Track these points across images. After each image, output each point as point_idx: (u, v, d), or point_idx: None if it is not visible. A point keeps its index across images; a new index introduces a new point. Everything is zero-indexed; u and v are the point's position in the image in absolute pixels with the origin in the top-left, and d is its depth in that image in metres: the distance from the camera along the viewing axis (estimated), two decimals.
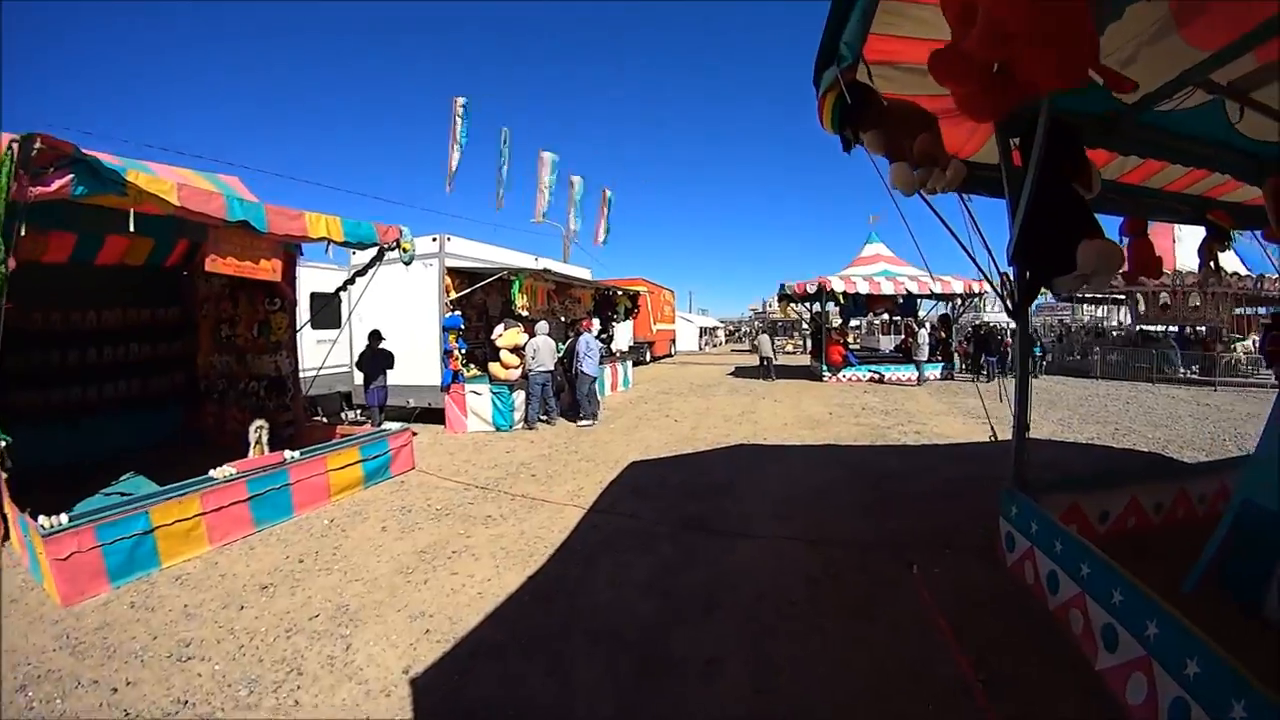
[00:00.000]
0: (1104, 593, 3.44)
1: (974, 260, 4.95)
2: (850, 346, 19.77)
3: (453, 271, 11.64)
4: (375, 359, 10.51)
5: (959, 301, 19.59)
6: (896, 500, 6.69)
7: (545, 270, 11.66)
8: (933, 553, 5.23)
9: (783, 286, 19.42)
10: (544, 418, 11.78)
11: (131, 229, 4.71)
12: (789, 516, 6.17)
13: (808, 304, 21.83)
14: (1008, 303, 5.09)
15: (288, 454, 6.46)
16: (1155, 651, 2.95)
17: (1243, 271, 18.18)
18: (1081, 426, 10.91)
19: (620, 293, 17.10)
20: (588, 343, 11.71)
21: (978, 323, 25.75)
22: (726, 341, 62.36)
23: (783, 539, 5.58)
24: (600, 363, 13.10)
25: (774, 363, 21.50)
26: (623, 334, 25.34)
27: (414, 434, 8.63)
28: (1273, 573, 3.67)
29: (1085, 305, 34.68)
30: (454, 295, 11.55)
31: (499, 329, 11.86)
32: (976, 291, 18.14)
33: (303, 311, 9.78)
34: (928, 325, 19.71)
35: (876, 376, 18.22)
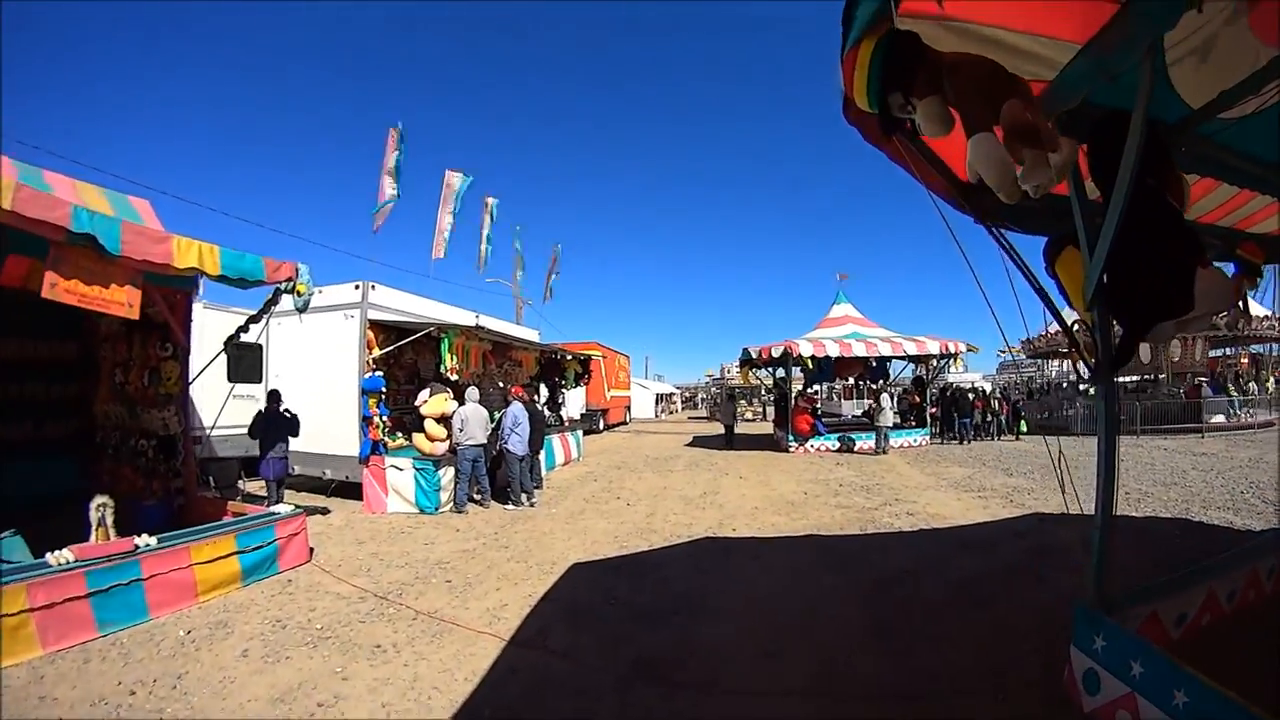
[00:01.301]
0: None
1: (1053, 310, 3.53)
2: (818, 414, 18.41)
3: (377, 325, 10.10)
4: (272, 424, 8.83)
5: (934, 363, 18.50)
6: (912, 614, 5.18)
7: (479, 327, 10.05)
8: (981, 700, 3.74)
9: (745, 351, 18.10)
10: (476, 498, 10.01)
11: None
12: (779, 652, 4.51)
13: (771, 369, 20.58)
14: (1084, 363, 3.63)
15: (140, 540, 5.30)
16: None
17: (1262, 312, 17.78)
18: (1090, 494, 9.58)
19: (570, 357, 15.51)
20: (515, 416, 10.02)
21: (943, 385, 24.87)
22: (683, 408, 60.98)
23: (776, 696, 3.90)
24: (538, 435, 11.41)
25: (734, 431, 20.43)
26: (574, 401, 23.68)
27: (325, 512, 7.92)
28: None
29: (1051, 361, 34.64)
30: (377, 352, 9.92)
31: (424, 394, 10.20)
32: (953, 352, 17.10)
33: (217, 362, 8.56)
34: (893, 390, 18.51)
35: (846, 446, 16.82)
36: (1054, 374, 36.18)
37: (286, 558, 6.66)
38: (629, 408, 34.45)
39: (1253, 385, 20.38)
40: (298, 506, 7.19)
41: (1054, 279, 3.73)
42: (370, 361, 9.89)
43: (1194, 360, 19.87)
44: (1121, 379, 24.06)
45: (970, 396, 20.62)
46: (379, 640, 4.83)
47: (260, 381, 9.64)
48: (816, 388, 23.98)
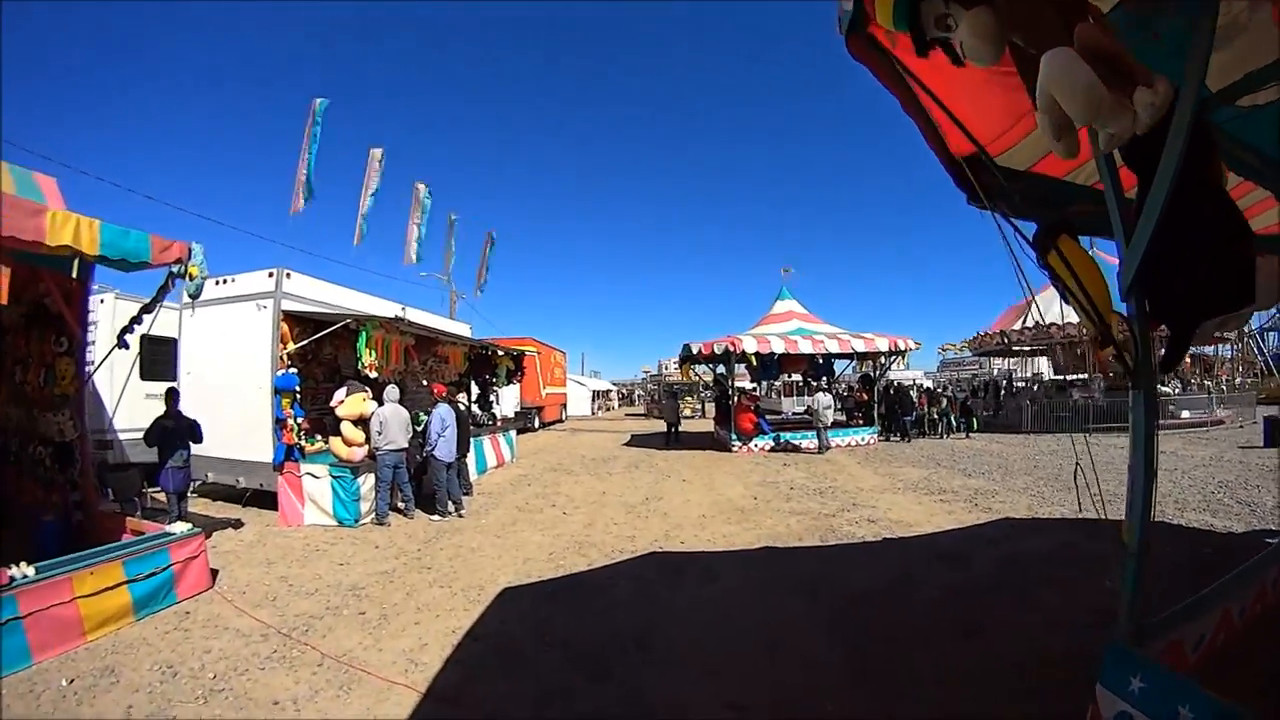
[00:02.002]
0: None
1: (1090, 306, 2.86)
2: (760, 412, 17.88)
3: (292, 317, 9.01)
4: (171, 429, 7.68)
5: (882, 360, 18.20)
6: (890, 646, 4.52)
7: (400, 319, 8.99)
8: None
9: (686, 347, 17.41)
10: (400, 506, 9.06)
11: None
12: (746, 704, 3.75)
13: (712, 366, 20.00)
14: (1123, 364, 2.97)
15: (15, 571, 4.57)
16: None
17: None
18: (1056, 496, 9.53)
19: (502, 352, 14.47)
20: (441, 419, 9.01)
21: (885, 382, 24.91)
22: (620, 405, 60.26)
23: None
24: (465, 437, 10.44)
25: (678, 429, 19.94)
26: (508, 399, 22.61)
27: (237, 525, 7.77)
28: None
29: (996, 360, 35.32)
30: (291, 347, 8.80)
31: (339, 394, 9.12)
32: (901, 349, 16.84)
33: (127, 359, 7.84)
34: (831, 389, 18.14)
35: (789, 445, 16.35)
36: (995, 372, 36.79)
37: (185, 584, 5.78)
38: (565, 405, 33.44)
39: (1207, 384, 20.91)
40: (195, 526, 6.17)
41: (1045, 270, 3.13)
42: (284, 357, 8.79)
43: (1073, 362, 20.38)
44: (1058, 377, 24.68)
45: (913, 394, 20.60)
46: (278, 694, 3.99)
47: (175, 379, 8.66)
48: (754, 385, 23.54)
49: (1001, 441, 17.21)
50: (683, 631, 4.87)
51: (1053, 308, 18.88)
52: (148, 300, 6.52)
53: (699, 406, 39.68)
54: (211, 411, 8.64)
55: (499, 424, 14.98)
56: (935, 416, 19.39)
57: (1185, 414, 18.50)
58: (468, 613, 5.37)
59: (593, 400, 44.88)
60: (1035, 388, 24.58)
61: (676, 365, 30.04)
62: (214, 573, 6.24)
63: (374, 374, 8.92)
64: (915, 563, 6.52)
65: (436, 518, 8.80)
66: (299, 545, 7.59)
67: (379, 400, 8.89)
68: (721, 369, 20.04)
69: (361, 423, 8.97)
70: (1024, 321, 19.69)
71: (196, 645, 4.75)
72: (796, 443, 16.39)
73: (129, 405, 9.02)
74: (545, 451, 17.98)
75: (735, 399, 16.96)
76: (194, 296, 6.07)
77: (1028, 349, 25.05)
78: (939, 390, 20.85)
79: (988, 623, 4.87)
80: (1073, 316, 18.69)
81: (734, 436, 16.51)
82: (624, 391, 68.75)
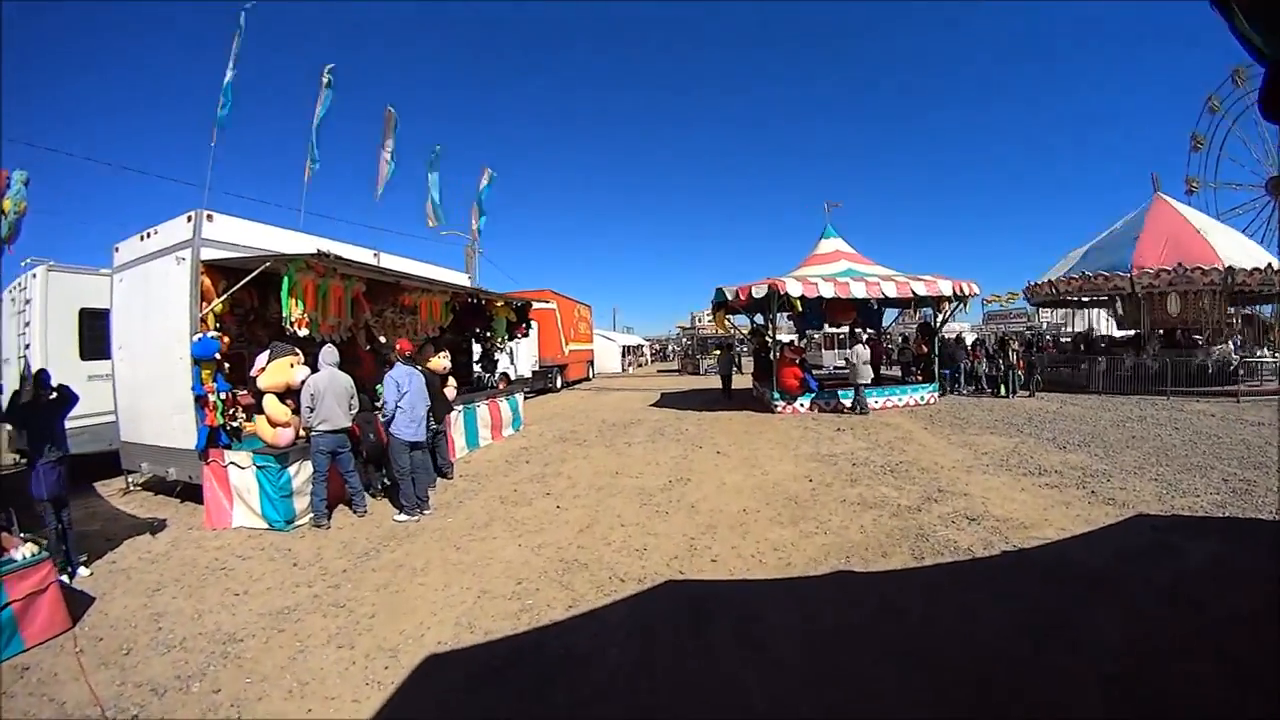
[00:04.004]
0: None
1: None
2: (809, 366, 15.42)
3: (215, 269, 6.98)
4: (41, 418, 5.62)
5: (947, 307, 15.55)
6: None
7: (333, 255, 6.75)
8: None
9: (719, 292, 14.93)
10: (373, 492, 7.05)
11: None
12: None
13: (749, 314, 17.56)
14: None
15: None
16: None
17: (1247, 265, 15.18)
18: (1184, 481, 7.29)
19: (502, 303, 12.15)
20: (397, 384, 6.88)
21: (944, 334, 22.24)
22: (652, 360, 57.98)
23: None
24: (440, 407, 8.31)
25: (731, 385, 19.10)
26: (525, 356, 20.50)
27: (157, 529, 6.63)
28: None
29: (1043, 312, 32.25)
30: (217, 305, 6.78)
31: (260, 359, 7.04)
32: (966, 294, 14.18)
33: (70, 334, 7.92)
34: (882, 339, 15.47)
35: (842, 405, 13.95)
36: (1044, 325, 33.69)
37: (34, 625, 4.29)
38: (591, 362, 31.27)
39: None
40: (42, 548, 4.61)
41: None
42: (206, 318, 6.76)
43: (1196, 315, 17.34)
44: (1119, 333, 21.80)
45: (963, 347, 18.07)
46: None
47: (109, 356, 7.88)
48: (792, 337, 21.01)
49: (1076, 403, 14.55)
50: None
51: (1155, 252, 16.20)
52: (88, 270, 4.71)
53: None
54: (141, 391, 7.53)
55: (499, 386, 12.76)
56: (998, 372, 16.71)
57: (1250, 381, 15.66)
58: (365, 700, 3.30)
59: (623, 356, 42.67)
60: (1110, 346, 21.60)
61: (709, 316, 27.64)
62: (88, 603, 4.84)
63: (303, 330, 6.77)
64: (1054, 595, 4.34)
65: (402, 516, 6.75)
66: (206, 560, 5.74)
67: (313, 366, 6.81)
68: (760, 318, 17.60)
69: (291, 395, 6.90)
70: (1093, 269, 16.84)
71: None
72: (847, 402, 13.98)
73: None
74: (561, 416, 15.85)
75: (778, 352, 14.51)
76: (5, 239, 4.79)
77: (1086, 300, 22.01)
78: (1008, 341, 17.98)
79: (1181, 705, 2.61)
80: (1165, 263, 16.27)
81: (776, 395, 14.15)
82: (657, 347, 66.46)
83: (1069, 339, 27.55)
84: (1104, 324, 32.88)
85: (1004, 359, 16.56)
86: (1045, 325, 34.17)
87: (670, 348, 65.37)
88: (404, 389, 6.85)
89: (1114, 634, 3.72)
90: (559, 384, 24.14)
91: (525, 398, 20.64)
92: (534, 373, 21.64)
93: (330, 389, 6.64)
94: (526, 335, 13.71)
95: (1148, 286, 15.80)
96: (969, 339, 24.12)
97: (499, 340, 12.22)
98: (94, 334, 8.75)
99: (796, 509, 6.54)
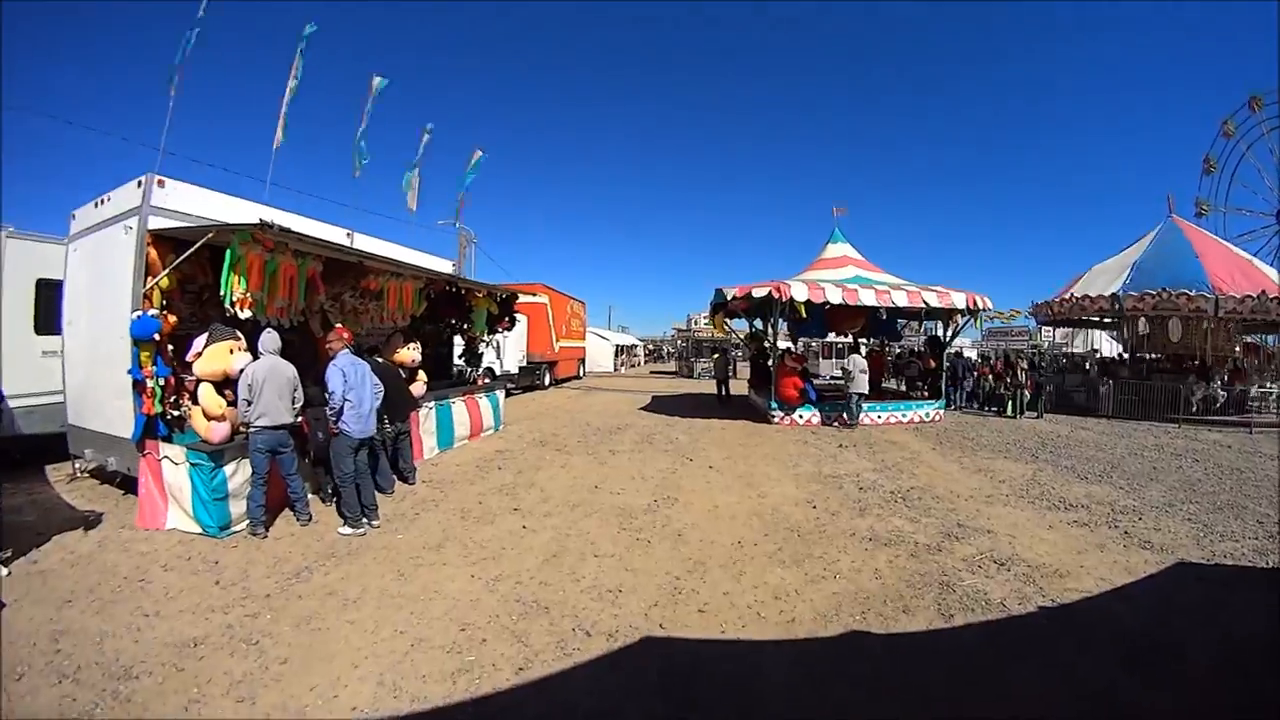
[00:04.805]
0: None
1: None
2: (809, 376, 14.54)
3: (164, 240, 6.21)
4: None
5: (958, 320, 14.70)
6: None
7: (277, 227, 5.83)
8: None
9: (719, 292, 14.05)
10: (301, 506, 6.21)
11: None
12: None
13: (749, 319, 16.72)
14: None
15: None
16: None
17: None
18: (1219, 523, 6.60)
19: (483, 293, 11.23)
20: (343, 374, 5.98)
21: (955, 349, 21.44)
22: (646, 361, 57.05)
23: None
24: (404, 404, 7.41)
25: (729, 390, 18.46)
26: (512, 351, 19.56)
27: (90, 525, 5.84)
28: None
29: (1045, 330, 31.55)
30: (162, 280, 5.95)
31: (198, 343, 6.16)
32: (979, 308, 13.35)
33: (26, 306, 7.51)
34: (863, 350, 14.55)
35: (841, 419, 13.09)
36: (1046, 344, 32.95)
37: None
38: (583, 360, 30.32)
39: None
40: None
41: None
42: (150, 294, 5.97)
43: (1211, 343, 16.72)
44: (1125, 354, 21.16)
45: (972, 361, 17.25)
46: None
47: (60, 332, 7.37)
48: (789, 345, 20.12)
49: (1086, 427, 13.74)
50: None
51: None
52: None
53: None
54: (88, 371, 6.90)
55: (479, 381, 11.82)
56: (1005, 390, 15.89)
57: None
58: None
59: (616, 355, 41.73)
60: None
61: (706, 319, 26.77)
62: None
63: (246, 312, 5.89)
64: (1100, 666, 3.59)
65: (346, 530, 5.85)
66: (128, 568, 4.97)
67: (255, 352, 5.94)
68: (759, 323, 16.76)
69: (231, 385, 6.01)
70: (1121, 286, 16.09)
71: None
72: (852, 415, 13.12)
73: (22, 366, 7.85)
74: (545, 416, 14.93)
75: (777, 360, 13.65)
76: None
77: (1109, 320, 21.26)
78: (1017, 359, 17.16)
79: None
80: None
81: (774, 405, 13.30)
82: (651, 347, 65.53)
83: (1071, 359, 26.97)
84: (1105, 346, 32.41)
85: (1012, 378, 15.74)
86: (1048, 344, 33.44)
87: (665, 349, 64.48)
88: (351, 383, 5.97)
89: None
90: (547, 381, 23.19)
91: (509, 395, 19.78)
92: (521, 369, 20.67)
93: (270, 380, 5.77)
94: (509, 330, 12.74)
95: (1232, 310, 14.98)
96: (969, 355, 23.42)
97: (480, 333, 11.30)
98: (49, 307, 7.97)
99: (800, 543, 5.68)
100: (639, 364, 51.80)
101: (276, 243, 6.13)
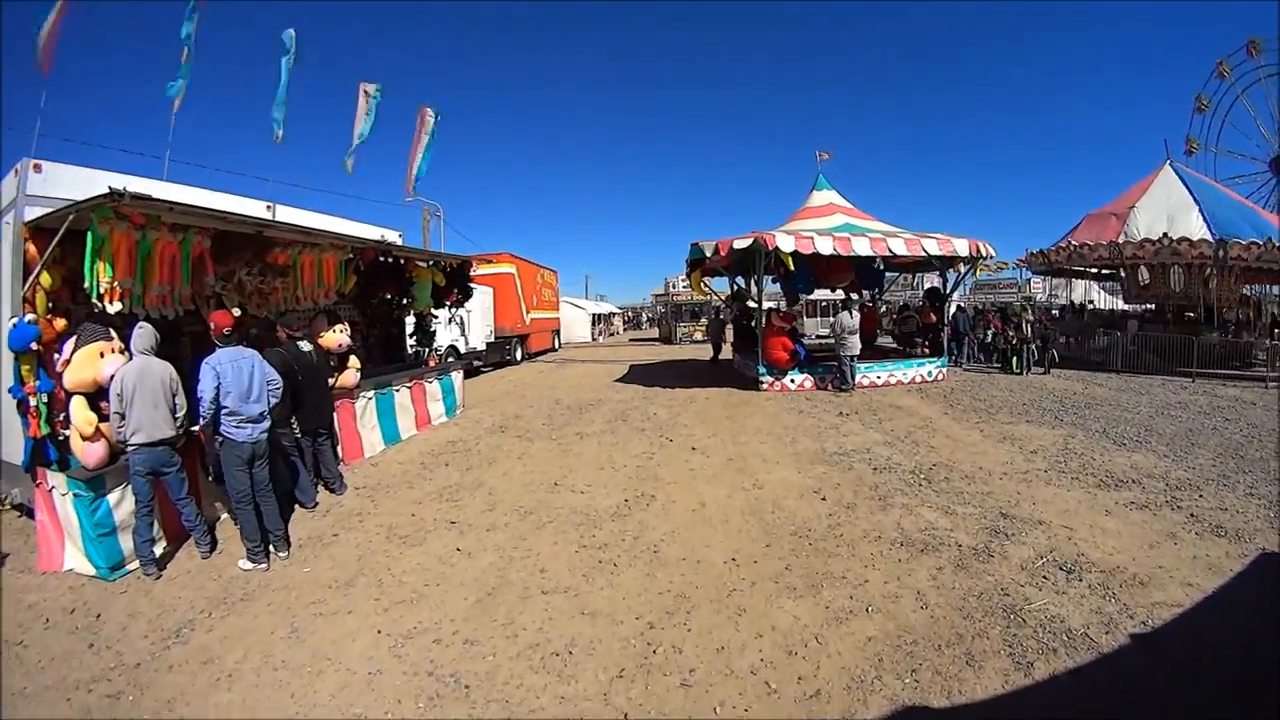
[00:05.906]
0: None
1: None
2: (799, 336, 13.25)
3: (41, 233, 5.09)
4: None
5: (960, 270, 13.45)
6: None
7: (128, 195, 4.43)
8: None
9: (696, 248, 12.65)
10: (199, 535, 4.95)
11: None
12: None
13: (730, 275, 15.42)
14: None
15: None
16: None
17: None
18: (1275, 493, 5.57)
19: (426, 263, 9.77)
20: (215, 373, 4.62)
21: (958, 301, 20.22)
22: (625, 329, 55.60)
23: None
24: (319, 402, 6.05)
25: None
26: (478, 326, 18.10)
27: None
28: None
29: (1035, 282, 30.66)
30: (44, 278, 4.82)
31: (67, 346, 4.81)
32: (983, 255, 12.11)
33: None
34: (857, 306, 13.24)
35: (836, 383, 11.88)
36: (1041, 296, 31.95)
37: None
38: (557, 332, 28.84)
39: None
40: None
41: None
42: (31, 297, 4.90)
43: (1213, 292, 15.66)
44: (1127, 307, 20.18)
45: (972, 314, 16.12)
46: None
47: None
48: (775, 303, 18.71)
49: (1100, 384, 12.55)
50: None
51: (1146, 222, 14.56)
52: None
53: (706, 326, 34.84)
54: None
55: (432, 363, 10.41)
56: (1009, 345, 14.73)
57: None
58: None
59: (593, 325, 40.29)
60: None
61: (684, 281, 25.28)
62: None
63: (116, 305, 4.56)
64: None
65: (247, 564, 4.61)
66: (10, 627, 3.90)
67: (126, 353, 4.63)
68: (741, 280, 15.44)
69: (96, 393, 4.69)
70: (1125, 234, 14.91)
71: None
72: (837, 382, 11.93)
73: None
74: (510, 395, 13.53)
75: (764, 320, 12.34)
76: None
77: (1107, 271, 20.18)
78: (1022, 311, 16.02)
79: None
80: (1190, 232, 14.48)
81: (762, 369, 12.06)
82: (630, 315, 64.06)
83: (1074, 308, 26.05)
84: (1097, 298, 31.57)
85: (1017, 331, 14.58)
86: (1037, 295, 32.46)
87: (645, 316, 63.04)
88: (229, 386, 4.61)
89: None
90: (519, 356, 21.80)
91: (478, 373, 18.39)
92: (489, 344, 19.25)
93: (143, 385, 4.45)
94: (459, 304, 11.25)
95: (1237, 258, 13.80)
96: (952, 308, 22.32)
97: (425, 308, 9.89)
98: None
99: (813, 555, 4.45)
100: (618, 333, 50.39)
101: (149, 217, 4.76)
